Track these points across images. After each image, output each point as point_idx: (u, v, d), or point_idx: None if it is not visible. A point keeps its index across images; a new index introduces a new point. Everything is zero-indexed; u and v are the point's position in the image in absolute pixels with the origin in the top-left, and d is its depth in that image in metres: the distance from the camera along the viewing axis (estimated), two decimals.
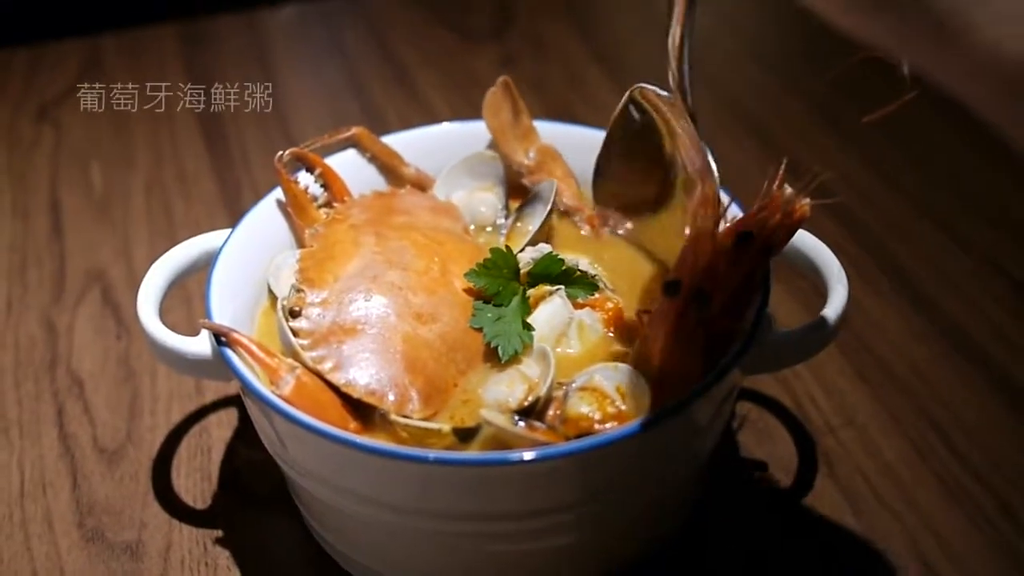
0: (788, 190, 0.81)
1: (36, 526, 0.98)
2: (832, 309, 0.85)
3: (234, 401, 1.09)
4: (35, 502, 1.00)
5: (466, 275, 0.91)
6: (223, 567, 0.94)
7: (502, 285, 0.91)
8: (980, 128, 1.42)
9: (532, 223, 1.00)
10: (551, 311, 0.90)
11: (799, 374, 1.09)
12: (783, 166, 0.81)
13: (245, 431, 1.06)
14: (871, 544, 0.93)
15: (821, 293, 0.88)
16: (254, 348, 0.82)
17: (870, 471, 0.99)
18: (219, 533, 0.96)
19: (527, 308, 0.90)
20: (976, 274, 1.22)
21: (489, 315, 0.89)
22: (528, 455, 0.72)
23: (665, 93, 0.93)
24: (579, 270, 0.93)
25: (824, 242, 0.90)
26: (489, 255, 0.91)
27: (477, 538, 0.81)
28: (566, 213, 1.04)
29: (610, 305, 0.92)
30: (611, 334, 0.91)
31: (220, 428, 1.07)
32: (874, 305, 1.18)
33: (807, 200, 0.79)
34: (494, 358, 0.87)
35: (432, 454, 0.74)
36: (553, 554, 0.83)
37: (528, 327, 0.88)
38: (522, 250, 0.96)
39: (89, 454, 1.05)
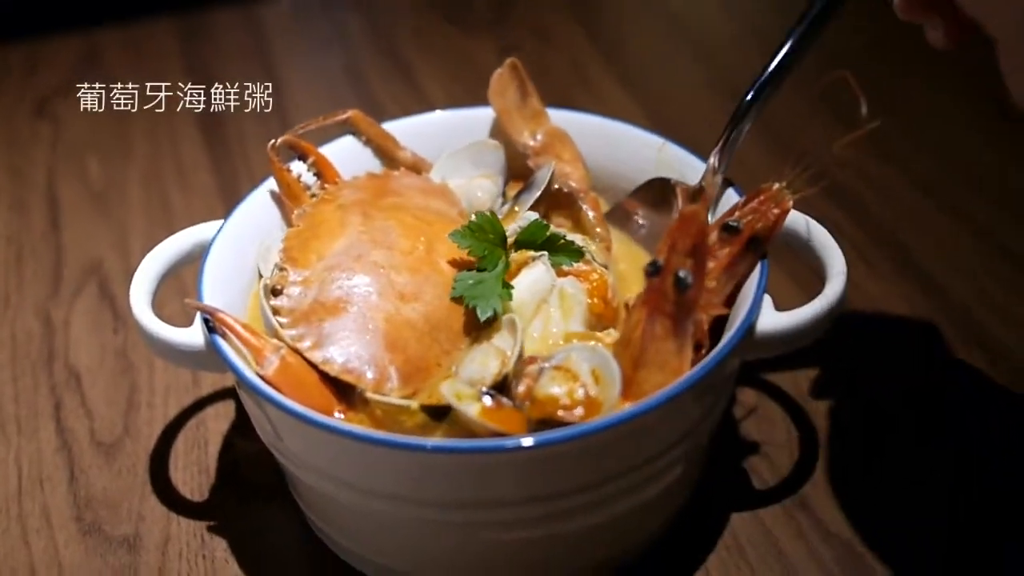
0: (775, 185, 0.85)
1: (34, 520, 0.97)
2: (831, 292, 0.84)
3: (231, 394, 1.09)
4: (32, 497, 1.00)
5: (450, 235, 0.90)
6: (221, 559, 0.93)
7: (487, 249, 0.90)
8: (986, 110, 1.42)
9: (526, 207, 0.99)
10: (533, 277, 0.88)
11: (799, 358, 1.07)
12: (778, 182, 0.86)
13: (242, 423, 1.05)
14: (872, 529, 0.92)
15: (821, 276, 0.87)
16: (239, 328, 0.82)
17: (871, 455, 0.98)
18: (217, 525, 0.96)
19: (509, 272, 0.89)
20: (982, 257, 1.21)
21: (470, 281, 0.88)
22: (526, 441, 0.72)
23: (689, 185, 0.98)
24: (565, 238, 0.92)
25: (825, 225, 0.89)
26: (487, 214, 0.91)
27: (472, 526, 0.80)
28: (569, 195, 1.02)
29: (596, 276, 0.91)
30: (595, 305, 0.90)
31: (217, 421, 1.07)
32: (876, 288, 1.17)
33: (790, 194, 0.85)
34: (476, 335, 0.87)
35: (430, 442, 0.74)
36: (550, 542, 0.82)
37: (508, 286, 0.87)
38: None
39: (86, 448, 1.04)
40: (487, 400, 0.79)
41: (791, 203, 0.86)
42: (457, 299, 0.88)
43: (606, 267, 0.94)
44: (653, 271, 0.80)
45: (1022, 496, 0.94)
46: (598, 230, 1.00)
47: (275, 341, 0.84)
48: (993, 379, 1.06)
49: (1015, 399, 1.04)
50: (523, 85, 1.08)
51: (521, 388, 0.80)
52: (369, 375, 0.83)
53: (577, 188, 1.03)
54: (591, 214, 1.02)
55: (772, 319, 0.83)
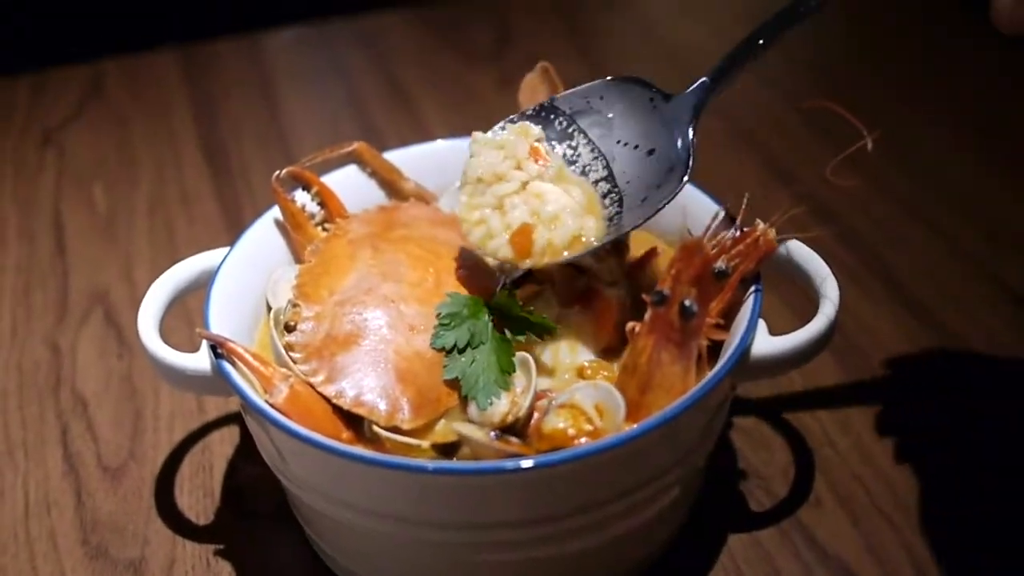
0: (760, 225, 0.88)
1: (41, 544, 0.99)
2: (823, 316, 0.86)
3: (235, 418, 1.10)
4: (40, 521, 1.01)
5: (433, 344, 0.88)
6: None
7: (471, 329, 0.89)
8: (973, 134, 1.44)
9: None
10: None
11: (794, 382, 1.10)
12: (744, 203, 0.89)
13: (246, 448, 1.07)
14: (868, 551, 0.93)
15: (814, 301, 0.88)
16: (248, 357, 0.83)
17: (867, 478, 1.00)
18: (221, 548, 0.97)
19: (504, 346, 0.88)
20: (970, 280, 1.23)
21: (463, 360, 0.88)
22: (525, 463, 0.74)
23: None
24: (531, 315, 0.89)
25: (817, 251, 0.91)
26: (450, 299, 0.90)
27: (473, 547, 0.82)
28: None
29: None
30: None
31: (222, 445, 1.08)
32: (868, 312, 1.19)
33: (773, 233, 0.87)
34: None
35: (432, 464, 0.76)
36: (550, 563, 0.84)
37: (508, 365, 0.87)
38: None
39: (93, 472, 1.06)
40: (493, 438, 0.82)
41: (776, 243, 0.88)
42: (451, 382, 0.87)
43: (616, 283, 0.93)
44: (659, 300, 0.82)
45: (1017, 518, 0.96)
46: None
47: (283, 370, 0.85)
48: (986, 400, 1.08)
49: (1008, 420, 1.06)
50: (554, 88, 1.06)
51: (531, 423, 0.84)
52: (381, 407, 0.85)
53: None
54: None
55: (766, 343, 0.85)
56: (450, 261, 0.96)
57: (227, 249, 0.96)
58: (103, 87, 1.79)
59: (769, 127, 1.55)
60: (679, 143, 0.92)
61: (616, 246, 0.97)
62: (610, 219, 0.92)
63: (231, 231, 1.40)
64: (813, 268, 0.90)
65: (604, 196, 0.94)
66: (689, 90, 0.93)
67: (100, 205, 1.49)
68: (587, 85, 0.97)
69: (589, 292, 0.92)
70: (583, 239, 0.90)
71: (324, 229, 1.01)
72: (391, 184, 1.08)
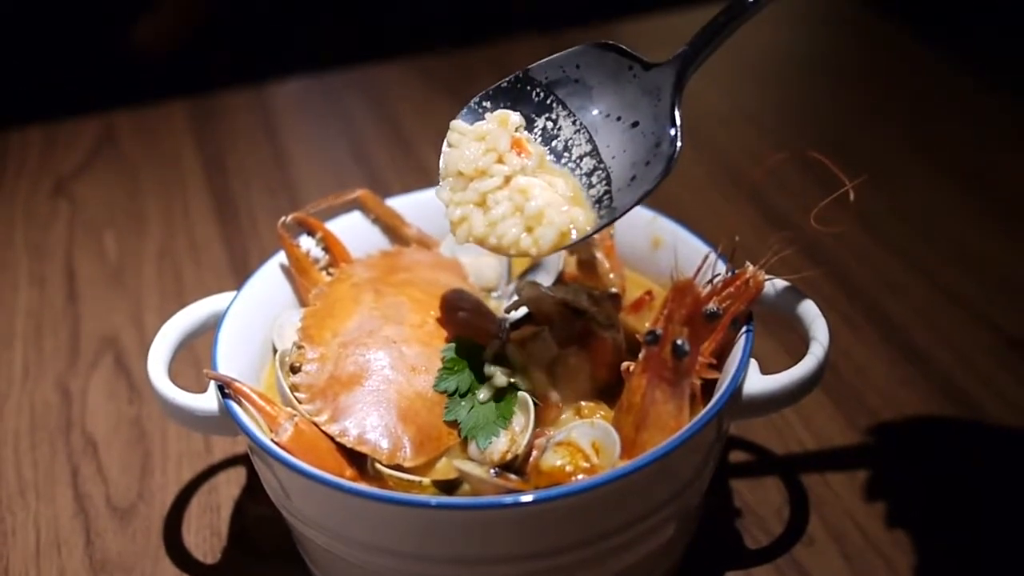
0: (749, 267, 0.90)
1: None
2: (812, 356, 0.88)
3: (241, 460, 1.12)
4: (50, 560, 1.03)
5: (436, 387, 0.91)
6: None
7: (473, 374, 0.91)
8: (966, 182, 1.46)
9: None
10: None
11: (790, 422, 1.12)
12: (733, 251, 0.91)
13: (252, 488, 1.09)
14: None
15: (806, 342, 0.90)
16: (254, 397, 0.86)
17: (860, 516, 1.01)
18: None
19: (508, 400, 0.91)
20: (965, 324, 1.25)
21: (463, 404, 0.90)
22: (524, 498, 0.76)
23: None
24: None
25: (811, 293, 0.93)
26: (455, 345, 0.93)
27: None
28: (589, 261, 1.05)
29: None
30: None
31: (228, 486, 1.10)
32: (864, 355, 1.21)
33: (762, 274, 0.89)
34: None
35: (434, 499, 0.78)
36: None
37: (507, 412, 0.89)
38: (508, 310, 0.99)
39: (102, 512, 1.08)
40: (493, 475, 0.84)
41: (763, 283, 0.90)
42: (451, 423, 0.90)
43: (613, 326, 0.96)
44: (652, 340, 0.85)
45: (1012, 556, 0.98)
46: (612, 276, 1.04)
47: (288, 410, 0.88)
48: (980, 441, 1.10)
49: (998, 462, 1.08)
50: None
51: (529, 461, 0.86)
52: (384, 446, 0.87)
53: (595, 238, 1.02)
54: (605, 263, 1.05)
55: (758, 382, 0.87)
56: (451, 304, 0.98)
57: (234, 293, 0.99)
58: (114, 138, 1.83)
59: (765, 175, 1.57)
60: (664, 116, 0.88)
61: (612, 294, 1.01)
62: (598, 200, 0.89)
63: (238, 276, 1.42)
64: (803, 309, 0.92)
65: (590, 174, 0.91)
66: (669, 60, 0.89)
67: (111, 252, 1.52)
68: (562, 53, 0.92)
69: (586, 334, 0.94)
70: (573, 232, 0.87)
71: (328, 273, 1.04)
72: (393, 230, 1.11)
